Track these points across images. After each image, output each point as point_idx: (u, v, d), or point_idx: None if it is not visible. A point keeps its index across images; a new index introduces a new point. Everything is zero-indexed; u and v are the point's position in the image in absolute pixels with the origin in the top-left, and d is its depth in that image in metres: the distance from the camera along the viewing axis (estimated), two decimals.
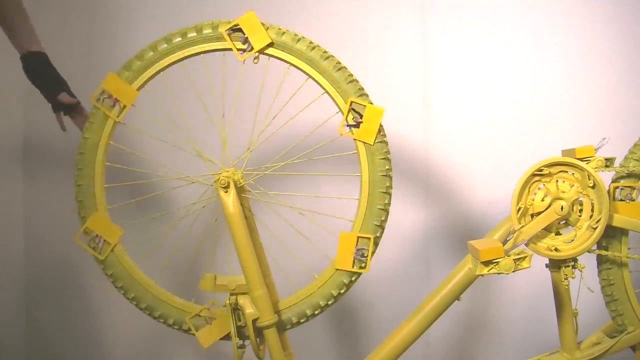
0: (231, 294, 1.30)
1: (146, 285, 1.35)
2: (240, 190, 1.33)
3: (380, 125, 1.28)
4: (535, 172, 1.24)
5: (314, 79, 1.30)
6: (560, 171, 1.24)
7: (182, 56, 1.32)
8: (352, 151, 1.31)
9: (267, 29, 1.30)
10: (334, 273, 1.31)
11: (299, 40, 1.30)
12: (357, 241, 1.29)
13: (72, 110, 1.49)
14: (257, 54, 1.30)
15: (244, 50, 1.30)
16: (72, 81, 1.50)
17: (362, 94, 1.29)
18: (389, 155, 1.30)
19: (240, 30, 1.29)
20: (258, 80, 1.33)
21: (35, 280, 2.02)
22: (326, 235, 1.34)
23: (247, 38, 1.29)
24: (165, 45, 1.32)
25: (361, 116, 1.28)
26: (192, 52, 1.32)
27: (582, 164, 1.22)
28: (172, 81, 1.41)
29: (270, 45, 1.29)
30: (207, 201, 1.36)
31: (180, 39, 1.31)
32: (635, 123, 1.84)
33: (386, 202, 1.29)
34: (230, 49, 1.30)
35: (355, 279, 1.31)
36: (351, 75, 1.30)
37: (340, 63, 1.30)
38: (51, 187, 1.99)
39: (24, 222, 2.02)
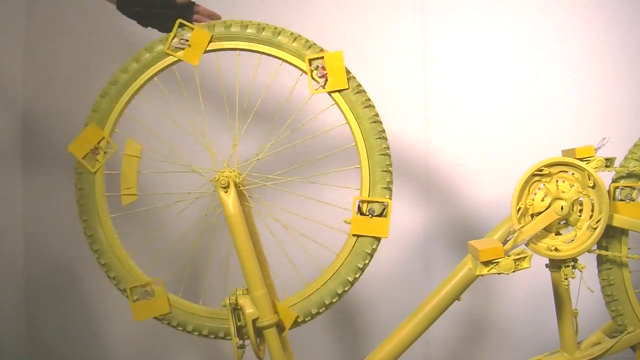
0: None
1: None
2: (239, 193, 1.33)
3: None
4: (535, 172, 1.24)
5: (266, 53, 1.30)
6: (561, 171, 1.24)
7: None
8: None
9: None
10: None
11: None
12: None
13: (187, 12, 1.37)
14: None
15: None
16: (63, 81, 1.48)
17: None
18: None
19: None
20: (284, 90, 1.32)
21: (35, 280, 2.02)
22: (311, 253, 1.34)
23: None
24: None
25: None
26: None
27: (582, 164, 1.22)
28: (204, 70, 1.40)
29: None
30: (202, 194, 1.36)
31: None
32: (635, 123, 1.84)
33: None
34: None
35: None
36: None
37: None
38: (51, 187, 1.99)
39: (24, 222, 2.02)
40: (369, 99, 1.30)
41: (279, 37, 1.31)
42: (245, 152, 1.38)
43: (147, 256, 1.48)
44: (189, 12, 1.38)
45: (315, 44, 1.31)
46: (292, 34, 1.31)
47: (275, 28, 1.32)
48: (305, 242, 1.37)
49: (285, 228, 1.39)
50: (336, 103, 1.30)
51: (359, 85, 1.30)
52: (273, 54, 1.31)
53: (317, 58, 1.29)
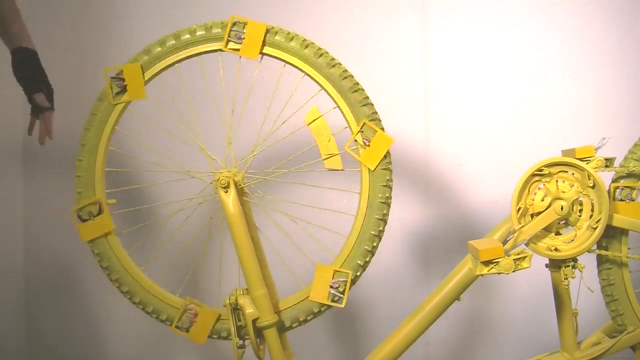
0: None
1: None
2: (239, 192, 1.33)
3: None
4: (535, 172, 1.24)
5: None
6: (560, 171, 1.24)
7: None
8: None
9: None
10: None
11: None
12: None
13: (39, 113, 1.45)
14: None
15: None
16: (63, 81, 1.49)
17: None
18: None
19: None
20: (270, 84, 1.32)
21: (35, 280, 2.02)
22: (320, 245, 1.34)
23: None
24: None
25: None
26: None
27: (582, 164, 1.22)
28: (186, 75, 1.40)
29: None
30: (205, 198, 1.36)
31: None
32: (635, 123, 1.84)
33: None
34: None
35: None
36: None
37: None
38: (51, 187, 1.99)
39: (24, 222, 2.02)
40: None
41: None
42: (242, 151, 1.38)
43: (141, 249, 1.47)
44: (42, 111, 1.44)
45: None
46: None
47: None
48: (314, 231, 1.37)
49: (294, 220, 1.39)
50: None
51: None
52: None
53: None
